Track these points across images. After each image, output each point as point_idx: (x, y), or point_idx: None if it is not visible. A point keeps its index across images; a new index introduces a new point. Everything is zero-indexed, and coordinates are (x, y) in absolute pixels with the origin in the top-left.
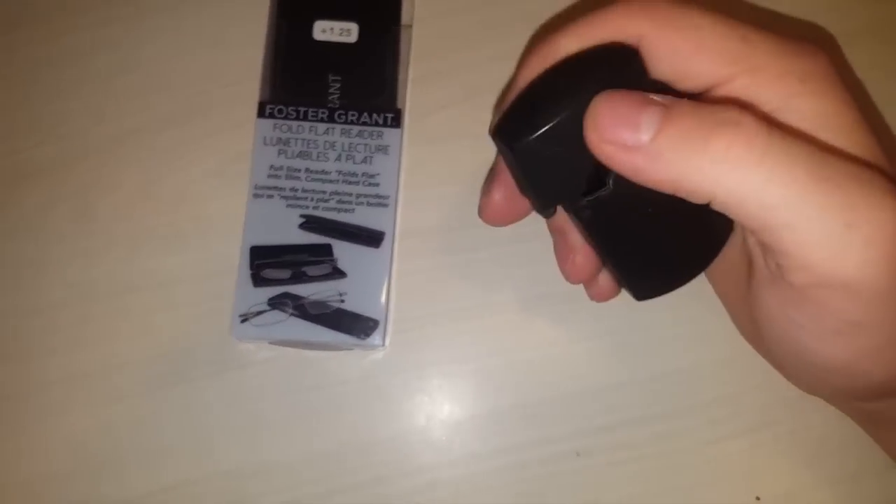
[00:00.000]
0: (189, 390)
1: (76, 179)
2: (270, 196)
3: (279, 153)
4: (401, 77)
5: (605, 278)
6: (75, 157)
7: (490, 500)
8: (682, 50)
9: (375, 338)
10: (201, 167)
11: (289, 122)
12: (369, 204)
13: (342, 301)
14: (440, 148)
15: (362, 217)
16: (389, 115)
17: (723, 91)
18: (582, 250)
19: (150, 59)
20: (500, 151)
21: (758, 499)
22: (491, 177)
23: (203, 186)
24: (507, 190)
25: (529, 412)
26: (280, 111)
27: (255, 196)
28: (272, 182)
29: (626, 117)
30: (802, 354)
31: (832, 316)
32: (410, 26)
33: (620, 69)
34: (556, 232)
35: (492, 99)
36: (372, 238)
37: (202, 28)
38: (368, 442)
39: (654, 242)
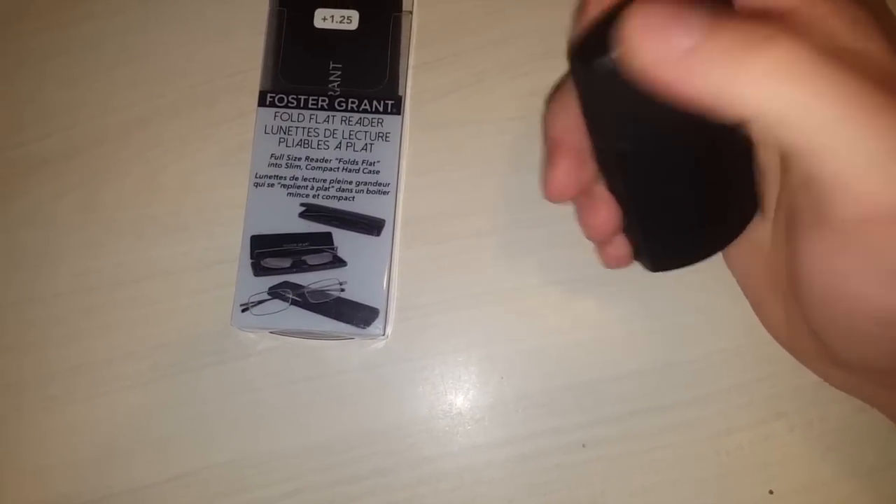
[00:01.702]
0: (191, 380)
1: (82, 170)
2: (271, 185)
3: (280, 142)
4: (401, 64)
5: (621, 241)
6: (81, 147)
7: (494, 492)
8: None
9: (376, 327)
10: (205, 157)
11: (289, 111)
12: (370, 192)
13: (342, 290)
14: (442, 134)
15: (363, 205)
16: (390, 103)
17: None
18: (607, 205)
19: (154, 50)
20: (579, 77)
21: (771, 492)
22: (551, 148)
23: (207, 176)
24: (571, 160)
25: (533, 402)
26: (281, 100)
27: (256, 185)
28: (273, 171)
29: (667, 24)
30: (853, 312)
31: (885, 254)
32: (411, 13)
33: None
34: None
35: (494, 84)
36: (372, 226)
37: (206, 18)
38: (370, 432)
39: (682, 206)
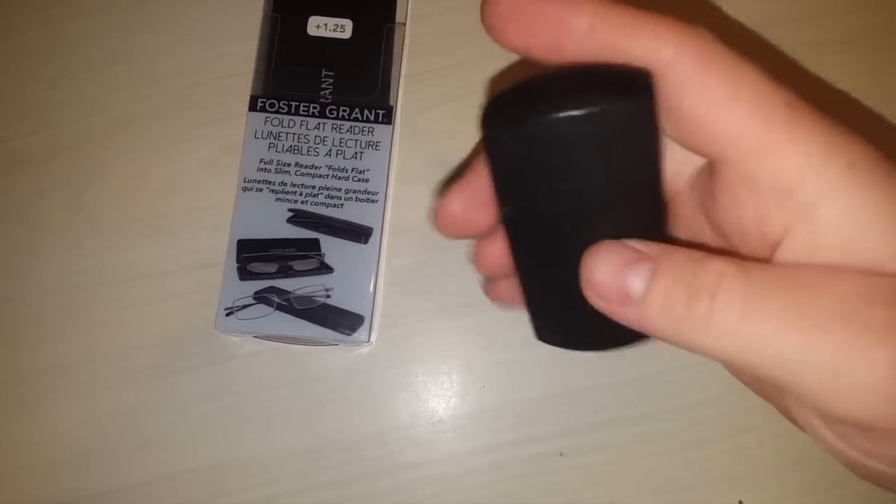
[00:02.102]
0: (172, 383)
1: (67, 169)
2: (259, 189)
3: (269, 147)
4: (393, 74)
5: (509, 283)
6: (67, 146)
7: (473, 499)
8: (715, 96)
9: (361, 334)
10: (192, 159)
11: (280, 117)
12: (358, 199)
13: (328, 296)
14: (431, 145)
15: (351, 212)
16: (381, 112)
17: (741, 166)
18: (501, 243)
19: (144, 50)
20: (489, 133)
21: (740, 502)
22: (456, 180)
23: (194, 178)
24: (469, 196)
25: (514, 411)
26: (272, 105)
27: (244, 189)
28: (261, 175)
29: (616, 277)
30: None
31: (856, 445)
32: (404, 24)
33: (625, 100)
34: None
35: (483, 97)
36: (360, 234)
37: (197, 20)
38: (351, 438)
39: (566, 290)
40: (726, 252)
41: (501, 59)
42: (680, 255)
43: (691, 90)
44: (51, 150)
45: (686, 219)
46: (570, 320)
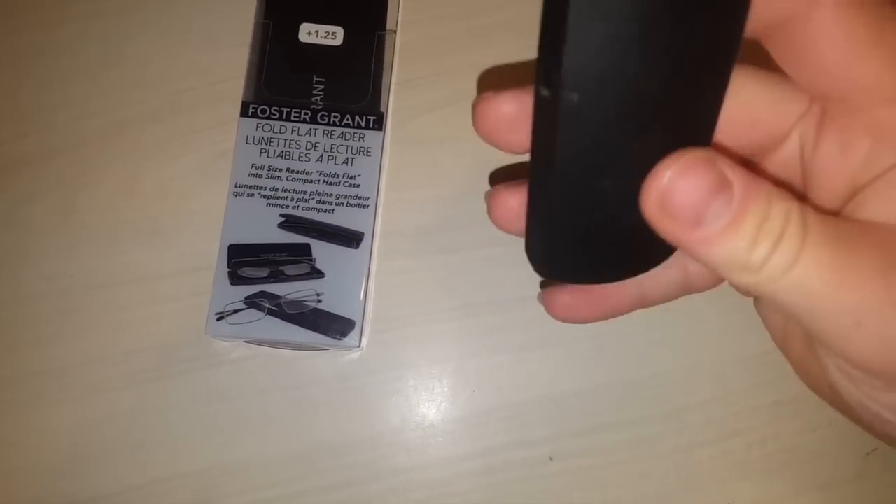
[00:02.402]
0: (164, 387)
1: (59, 172)
2: (251, 195)
3: (261, 152)
4: (384, 81)
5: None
6: (59, 149)
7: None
8: (857, 44)
9: (352, 338)
10: (185, 163)
11: (272, 122)
12: (349, 205)
13: (319, 301)
14: (421, 151)
15: (342, 218)
16: (372, 118)
17: (868, 113)
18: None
19: (137, 55)
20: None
21: None
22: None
23: (185, 183)
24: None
25: (504, 415)
26: (263, 111)
27: (236, 194)
28: (253, 181)
29: (700, 200)
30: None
31: (877, 399)
32: (395, 31)
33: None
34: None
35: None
36: (351, 238)
37: (190, 25)
38: (342, 443)
39: (602, 201)
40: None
41: (490, 67)
42: (758, 188)
43: (831, 35)
44: (44, 153)
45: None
46: (588, 240)
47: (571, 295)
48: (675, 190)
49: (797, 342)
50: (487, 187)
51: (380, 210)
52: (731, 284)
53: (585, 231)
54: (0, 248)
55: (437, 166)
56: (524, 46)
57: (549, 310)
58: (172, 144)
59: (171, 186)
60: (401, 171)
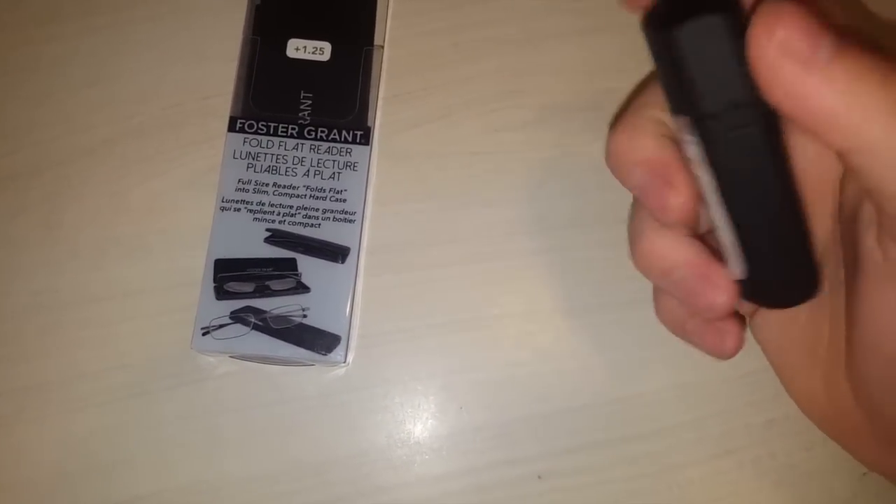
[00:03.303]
0: (148, 402)
1: (45, 187)
2: (237, 209)
3: (248, 167)
4: (371, 96)
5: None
6: (46, 165)
7: None
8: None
9: (337, 354)
10: (171, 179)
11: (259, 137)
12: (335, 219)
13: (305, 316)
14: (408, 166)
15: (328, 232)
16: (359, 133)
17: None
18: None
19: (124, 71)
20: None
21: None
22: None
23: (172, 198)
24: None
25: (492, 433)
26: (250, 126)
27: (222, 209)
28: (239, 196)
29: (809, 31)
30: None
31: None
32: (382, 47)
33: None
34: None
35: (461, 119)
36: (337, 253)
37: (178, 42)
38: (327, 460)
39: (779, 223)
40: None
41: (479, 83)
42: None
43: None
44: (31, 169)
45: None
46: (780, 265)
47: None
48: (783, 19)
49: (794, 355)
50: (474, 202)
51: (366, 225)
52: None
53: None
54: None
55: (423, 181)
56: (509, 61)
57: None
58: (159, 160)
59: (158, 202)
60: (387, 186)
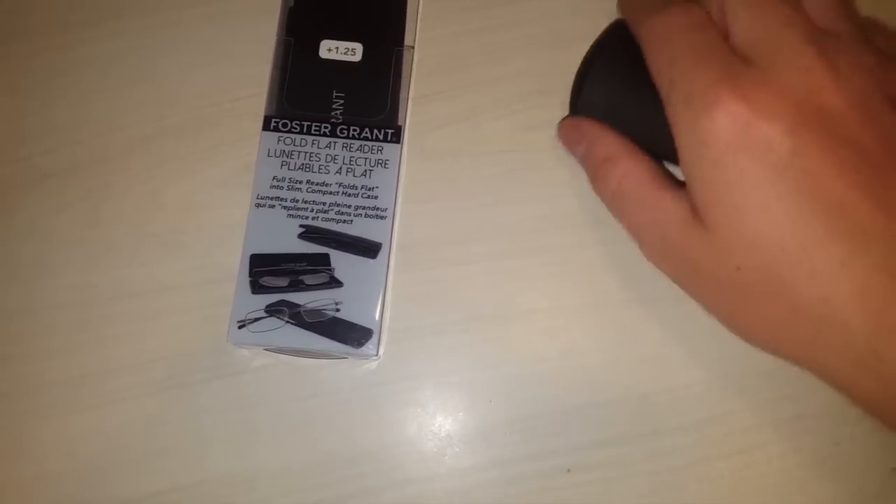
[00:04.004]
0: (183, 395)
1: (83, 186)
2: (272, 206)
3: (282, 165)
4: (402, 95)
5: None
6: (84, 164)
7: None
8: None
9: (369, 347)
10: (206, 177)
11: (292, 136)
12: (367, 216)
13: (338, 310)
14: (437, 164)
15: (360, 228)
16: (390, 132)
17: None
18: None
19: (161, 72)
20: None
21: None
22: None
23: (207, 196)
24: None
25: (521, 426)
26: (284, 125)
27: (258, 206)
28: (274, 192)
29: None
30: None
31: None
32: (412, 47)
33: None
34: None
35: (489, 118)
36: (369, 249)
37: (212, 44)
38: (359, 452)
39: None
40: None
41: (506, 83)
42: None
43: None
44: (69, 167)
45: None
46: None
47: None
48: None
49: None
50: (502, 200)
51: (397, 221)
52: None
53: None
54: (25, 259)
55: (452, 179)
56: (536, 62)
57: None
58: (194, 159)
59: (193, 200)
60: (417, 184)
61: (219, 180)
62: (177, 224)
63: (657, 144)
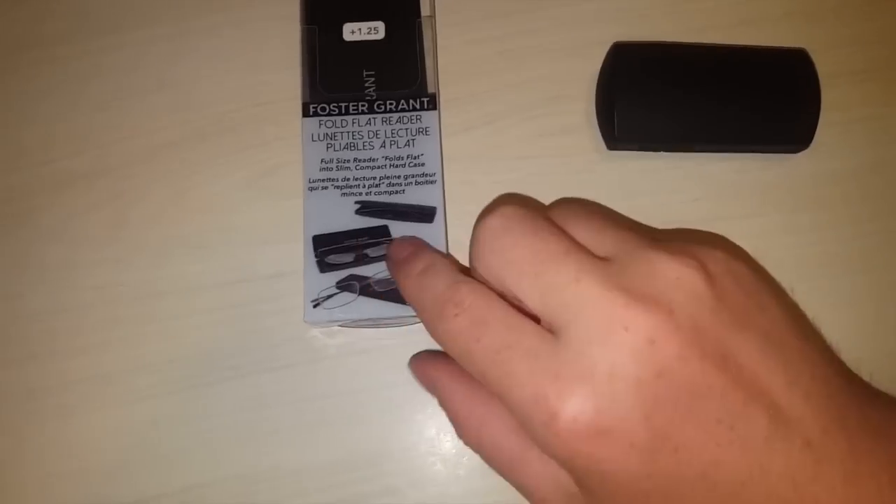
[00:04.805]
0: (207, 394)
1: (110, 188)
2: (325, 187)
3: (328, 147)
4: (429, 63)
5: None
6: (110, 167)
7: None
8: None
9: None
10: (230, 180)
11: (332, 118)
12: (417, 183)
13: None
14: (455, 169)
15: (413, 196)
16: (425, 100)
17: None
18: None
19: (185, 77)
20: None
21: None
22: None
23: (230, 198)
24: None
25: None
26: (322, 109)
27: (311, 189)
28: (325, 174)
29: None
30: None
31: None
32: (431, 16)
33: None
34: None
35: (506, 124)
36: (425, 214)
37: (236, 50)
38: (379, 452)
39: None
40: None
41: (523, 89)
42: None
43: None
44: (97, 170)
45: None
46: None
47: None
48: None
49: None
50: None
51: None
52: None
53: None
54: (53, 260)
55: (469, 184)
56: (553, 69)
57: None
58: (218, 162)
59: (217, 202)
60: None
61: (243, 183)
62: (201, 226)
63: (698, 132)
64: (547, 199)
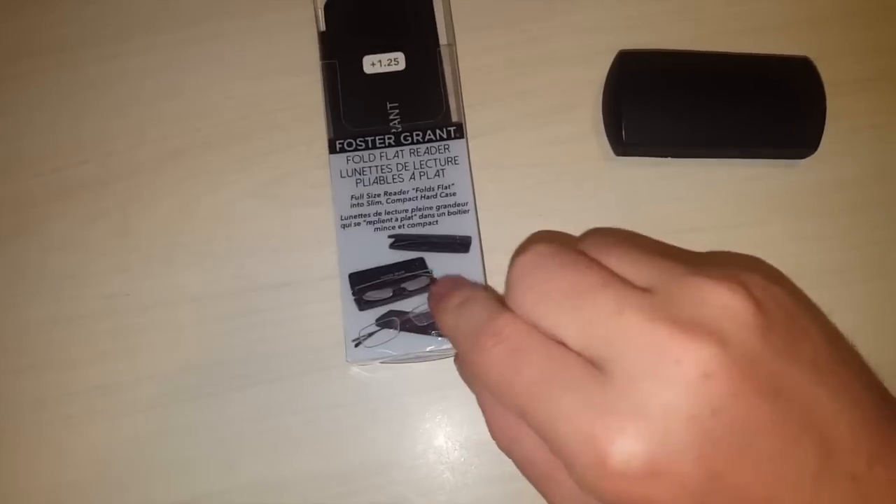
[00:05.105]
0: (215, 403)
1: (117, 197)
2: (357, 223)
3: (357, 183)
4: (452, 91)
5: None
6: (118, 175)
7: None
8: None
9: None
10: (237, 189)
11: (360, 153)
12: (450, 213)
13: None
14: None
15: (447, 227)
16: (452, 129)
17: None
18: None
19: (193, 86)
20: None
21: None
22: None
23: (238, 208)
24: None
25: None
26: (349, 144)
27: (343, 226)
28: (356, 210)
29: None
30: None
31: None
32: (451, 45)
33: None
34: None
35: (515, 133)
36: (460, 244)
37: (244, 58)
38: (388, 461)
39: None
40: None
41: (532, 98)
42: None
43: None
44: (103, 178)
45: None
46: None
47: None
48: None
49: None
50: (528, 212)
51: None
52: None
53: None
54: (60, 269)
55: (480, 191)
56: (561, 77)
57: None
58: (226, 171)
59: (224, 211)
60: None
61: (249, 192)
62: (207, 234)
63: (705, 138)
64: (557, 206)
